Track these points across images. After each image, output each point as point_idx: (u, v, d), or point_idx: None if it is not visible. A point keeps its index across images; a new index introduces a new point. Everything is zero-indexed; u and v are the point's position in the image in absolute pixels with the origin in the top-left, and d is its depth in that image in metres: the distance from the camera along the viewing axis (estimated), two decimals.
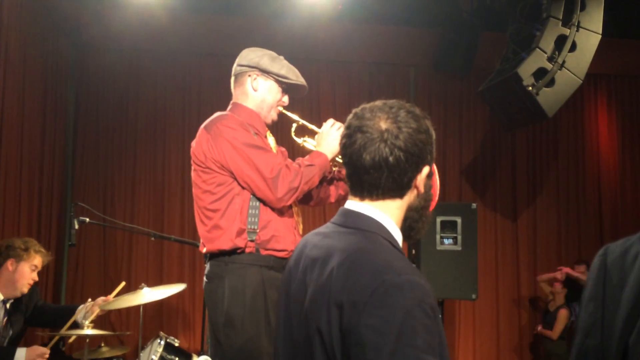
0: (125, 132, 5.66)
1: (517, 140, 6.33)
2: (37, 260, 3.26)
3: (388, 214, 1.35)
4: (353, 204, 1.37)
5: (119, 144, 5.64)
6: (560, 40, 4.05)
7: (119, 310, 5.42)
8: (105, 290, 5.10)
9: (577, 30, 4.02)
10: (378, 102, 1.39)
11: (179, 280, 5.36)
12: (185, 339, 5.56)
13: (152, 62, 5.66)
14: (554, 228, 6.29)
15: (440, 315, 1.26)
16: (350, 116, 1.39)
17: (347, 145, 1.35)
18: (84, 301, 3.54)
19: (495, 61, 4.75)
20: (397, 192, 1.34)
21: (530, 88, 4.00)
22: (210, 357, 2.36)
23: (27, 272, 3.20)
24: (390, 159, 1.29)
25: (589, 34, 4.03)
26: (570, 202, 6.34)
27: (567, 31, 4.03)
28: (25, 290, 3.22)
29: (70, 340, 3.40)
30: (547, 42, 4.03)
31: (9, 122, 4.13)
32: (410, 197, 1.37)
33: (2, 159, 4.04)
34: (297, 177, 2.30)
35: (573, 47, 4.04)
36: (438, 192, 2.28)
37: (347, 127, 1.37)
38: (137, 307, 3.92)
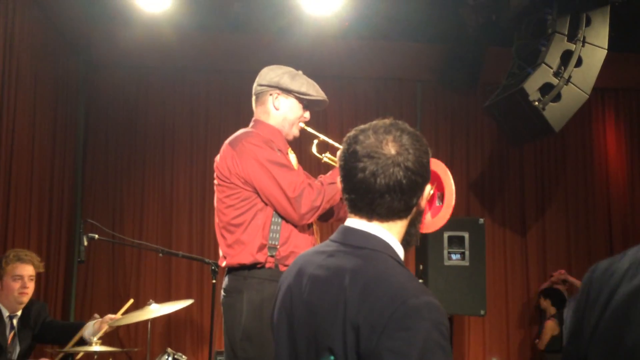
0: (134, 149, 5.71)
1: (525, 155, 6.32)
2: (18, 269, 3.23)
3: (393, 233, 1.36)
4: (357, 222, 1.37)
5: (128, 161, 5.69)
6: (566, 56, 4.06)
7: (128, 326, 5.44)
8: (114, 306, 5.11)
9: (583, 46, 4.03)
10: (375, 125, 1.37)
11: (187, 296, 5.36)
12: (194, 354, 5.56)
13: (160, 79, 5.73)
14: (563, 242, 6.25)
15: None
16: (350, 140, 1.37)
17: (357, 170, 1.32)
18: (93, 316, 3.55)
19: (501, 76, 4.77)
20: (405, 212, 1.35)
21: (536, 103, 4.01)
22: None
23: (11, 284, 3.20)
24: (404, 182, 1.30)
25: (595, 49, 4.04)
26: (579, 216, 6.31)
27: (572, 46, 4.04)
28: (23, 300, 3.22)
29: (78, 356, 3.40)
30: (553, 58, 4.04)
31: (20, 139, 4.19)
32: (413, 215, 1.39)
33: (12, 176, 4.08)
34: (320, 196, 2.34)
35: (579, 63, 4.04)
36: (454, 196, 2.28)
37: (352, 153, 1.34)
38: (147, 323, 3.94)
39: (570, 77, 4.02)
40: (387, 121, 1.39)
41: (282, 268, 2.33)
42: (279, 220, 2.36)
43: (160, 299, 5.11)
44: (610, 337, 0.74)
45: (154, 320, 5.36)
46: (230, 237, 2.36)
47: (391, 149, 1.32)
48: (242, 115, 5.94)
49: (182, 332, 5.61)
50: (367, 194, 1.33)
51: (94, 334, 3.28)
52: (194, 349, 5.57)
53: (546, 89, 4.05)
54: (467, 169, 6.25)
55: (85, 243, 3.37)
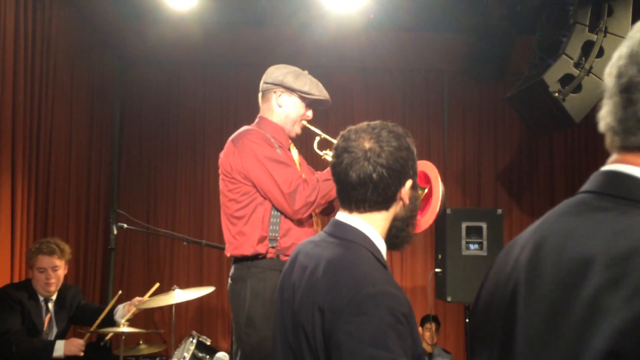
0: (167, 141, 5.93)
1: (554, 144, 6.26)
2: (41, 261, 3.37)
3: (374, 225, 1.47)
4: (343, 215, 1.50)
5: (161, 153, 5.92)
6: (587, 46, 4.02)
7: (162, 311, 5.69)
8: (148, 291, 5.38)
9: (605, 36, 3.99)
10: (362, 124, 1.52)
11: (217, 282, 5.58)
12: (225, 339, 5.77)
13: (189, 74, 5.93)
14: None
15: (414, 321, 1.39)
16: (338, 138, 1.53)
17: (336, 164, 1.48)
18: (128, 300, 3.76)
19: (528, 65, 4.74)
20: (382, 205, 1.46)
21: (556, 94, 4.00)
22: (234, 354, 2.52)
23: (37, 275, 3.38)
24: (374, 175, 1.42)
25: (617, 39, 3.98)
26: None
27: (594, 37, 4.00)
28: (50, 289, 3.39)
29: (108, 337, 3.62)
30: (574, 48, 4.01)
31: (58, 134, 4.43)
32: (396, 208, 1.49)
33: (51, 169, 4.33)
34: (314, 191, 2.45)
35: (600, 53, 4.00)
36: (440, 203, 2.36)
37: (335, 149, 1.50)
38: (179, 307, 4.16)
39: (591, 67, 3.99)
40: (375, 122, 1.53)
41: (282, 258, 2.46)
42: (278, 213, 2.48)
43: (192, 285, 5.34)
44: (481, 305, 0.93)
45: (187, 306, 5.62)
46: (233, 228, 2.51)
47: (366, 144, 1.44)
48: None
49: (213, 317, 5.84)
50: (344, 186, 1.47)
51: (123, 316, 3.49)
52: (224, 333, 5.79)
53: (566, 80, 4.03)
54: (494, 160, 6.24)
55: (115, 232, 3.58)
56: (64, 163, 4.59)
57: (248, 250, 2.46)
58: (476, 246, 4.05)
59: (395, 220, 1.49)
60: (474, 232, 4.06)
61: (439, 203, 2.21)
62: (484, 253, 4.04)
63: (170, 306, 5.18)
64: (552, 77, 4.02)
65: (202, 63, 5.88)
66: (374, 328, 1.24)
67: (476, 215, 4.10)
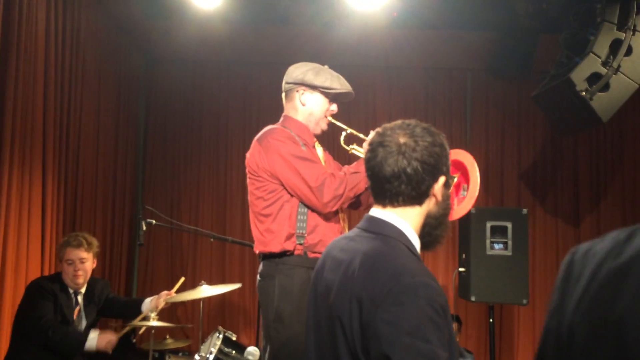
0: (191, 139, 6.00)
1: (579, 144, 6.19)
2: (69, 253, 3.43)
3: (408, 220, 1.49)
4: (377, 211, 1.52)
5: (185, 150, 5.99)
6: (616, 45, 3.98)
7: (185, 306, 5.77)
8: (172, 286, 5.41)
9: (633, 34, 3.94)
10: (397, 122, 1.55)
11: (240, 279, 5.64)
12: (246, 334, 5.83)
13: (214, 72, 5.98)
14: None
15: (450, 315, 1.40)
16: (372, 134, 1.56)
17: (370, 159, 1.51)
18: (153, 295, 3.82)
19: (554, 64, 4.70)
20: (416, 199, 1.48)
21: (583, 93, 3.96)
22: (263, 349, 2.56)
23: (66, 267, 3.45)
24: (408, 169, 1.44)
25: None
26: (636, 207, 6.13)
27: (622, 35, 3.96)
28: (78, 282, 3.45)
29: (141, 331, 3.68)
30: (602, 47, 3.97)
31: (86, 132, 4.51)
32: (429, 204, 1.50)
33: (80, 167, 4.41)
34: (342, 184, 2.47)
35: (629, 51, 3.95)
36: (475, 197, 2.37)
37: (370, 144, 1.53)
38: (201, 302, 4.23)
39: (619, 66, 3.94)
40: (410, 120, 1.55)
41: (310, 255, 2.48)
42: (305, 210, 2.51)
43: (215, 281, 5.41)
44: (598, 310, 0.80)
45: (210, 302, 5.69)
46: (261, 226, 2.54)
47: (401, 139, 1.46)
48: None
49: (235, 313, 5.89)
50: (378, 180, 1.50)
51: (151, 310, 3.55)
52: (246, 329, 5.84)
53: (594, 78, 3.99)
54: (518, 159, 6.19)
55: (144, 228, 3.63)
56: (92, 160, 4.67)
57: (276, 248, 2.49)
58: (501, 246, 4.03)
59: (428, 217, 1.51)
60: (499, 231, 4.04)
61: (477, 188, 2.22)
62: (508, 253, 4.01)
63: (194, 301, 5.28)
64: (579, 76, 3.99)
65: (226, 62, 5.93)
66: (413, 318, 1.26)
67: (501, 215, 4.08)
